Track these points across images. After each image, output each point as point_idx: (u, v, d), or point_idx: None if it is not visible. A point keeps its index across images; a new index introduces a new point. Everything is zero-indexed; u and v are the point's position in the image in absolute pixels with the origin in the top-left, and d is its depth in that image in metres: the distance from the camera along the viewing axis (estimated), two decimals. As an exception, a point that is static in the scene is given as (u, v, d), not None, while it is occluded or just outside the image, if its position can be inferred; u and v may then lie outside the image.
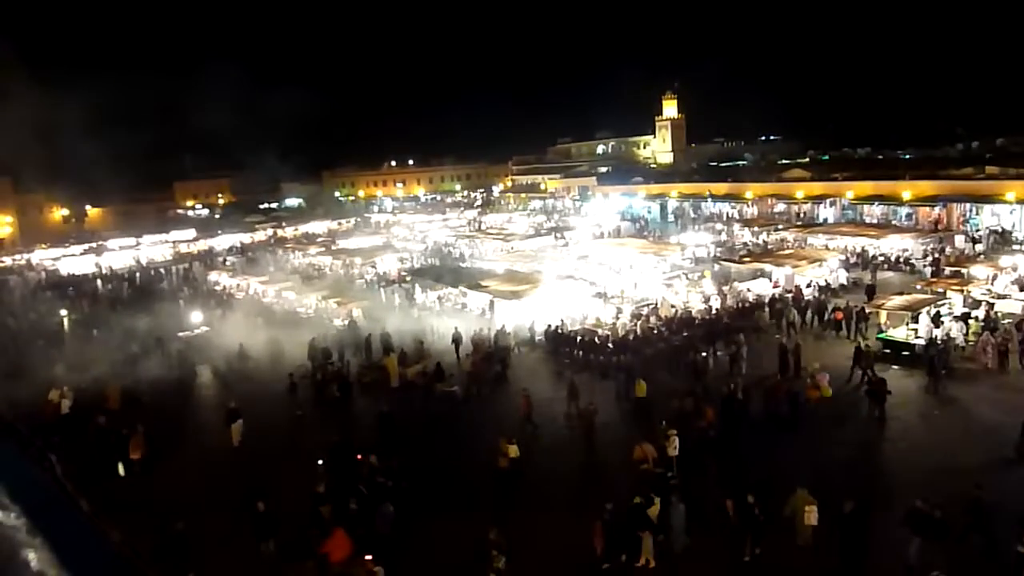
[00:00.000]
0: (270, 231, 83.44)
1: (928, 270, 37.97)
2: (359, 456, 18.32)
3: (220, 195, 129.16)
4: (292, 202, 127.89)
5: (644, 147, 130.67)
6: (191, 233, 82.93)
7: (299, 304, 40.57)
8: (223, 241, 77.92)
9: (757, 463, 17.91)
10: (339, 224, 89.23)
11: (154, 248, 73.81)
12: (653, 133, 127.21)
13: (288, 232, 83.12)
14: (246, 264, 59.39)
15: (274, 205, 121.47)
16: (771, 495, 14.79)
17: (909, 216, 56.84)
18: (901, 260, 42.45)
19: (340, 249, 60.27)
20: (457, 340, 30.01)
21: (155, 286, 53.38)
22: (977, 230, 50.78)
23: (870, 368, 23.59)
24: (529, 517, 16.26)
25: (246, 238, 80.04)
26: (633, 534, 14.69)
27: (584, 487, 17.94)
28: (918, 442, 19.39)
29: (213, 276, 53.00)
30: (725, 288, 36.28)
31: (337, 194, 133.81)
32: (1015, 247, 43.56)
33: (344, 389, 25.93)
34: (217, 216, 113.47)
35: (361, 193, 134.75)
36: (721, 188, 75.57)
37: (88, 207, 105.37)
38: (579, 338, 29.48)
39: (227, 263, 61.39)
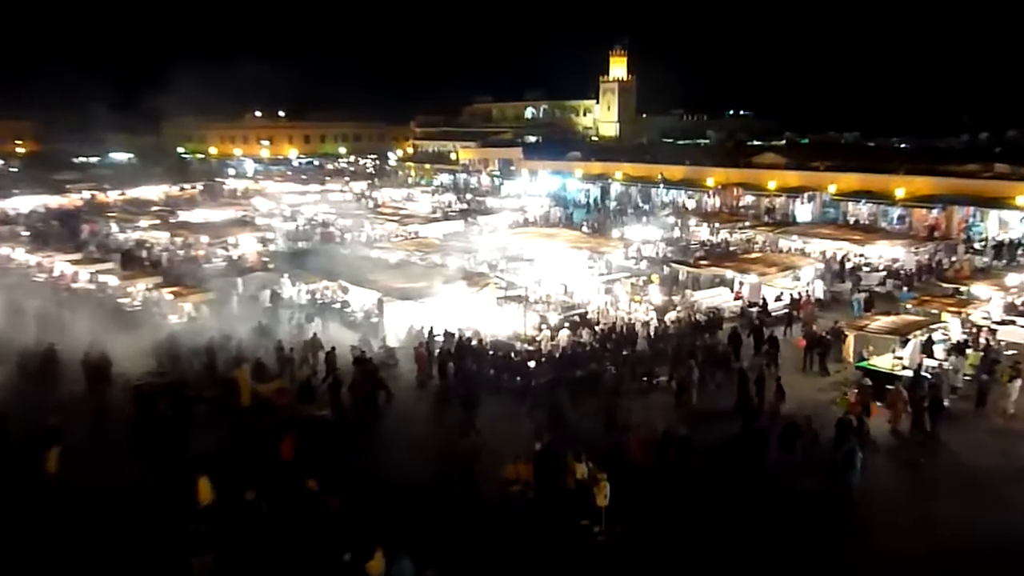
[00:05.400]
0: (87, 194, 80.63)
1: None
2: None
3: (18, 142, 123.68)
4: (118, 157, 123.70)
5: (584, 114, 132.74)
6: (-27, 190, 79.10)
7: (122, 293, 39.32)
8: (20, 203, 74.59)
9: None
10: (181, 190, 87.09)
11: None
12: (596, 98, 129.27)
13: (111, 197, 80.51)
14: (51, 236, 57.21)
15: (94, 160, 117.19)
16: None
17: (902, 218, 59.52)
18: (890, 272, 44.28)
19: (181, 223, 58.77)
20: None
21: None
22: (981, 239, 53.46)
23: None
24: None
25: (53, 201, 76.99)
26: None
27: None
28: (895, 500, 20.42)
29: (4, 250, 50.69)
30: (676, 298, 37.11)
31: (180, 150, 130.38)
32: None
33: (180, 407, 25.19)
34: (13, 170, 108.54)
35: (213, 151, 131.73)
36: (677, 172, 77.41)
37: None
38: (492, 353, 29.60)
39: (25, 233, 58.86)
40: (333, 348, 29.35)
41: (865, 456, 20.88)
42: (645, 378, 28.39)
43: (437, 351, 29.93)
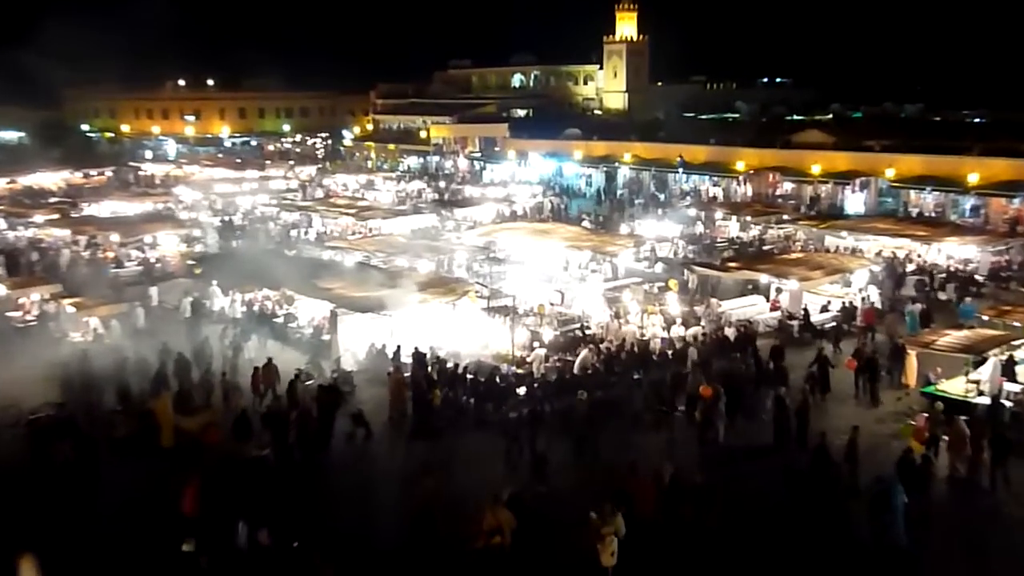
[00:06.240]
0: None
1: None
2: None
3: None
4: (7, 136, 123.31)
5: (585, 82, 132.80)
6: None
7: (11, 306, 39.14)
8: None
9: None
10: (86, 176, 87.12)
11: None
12: (600, 62, 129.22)
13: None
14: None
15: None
16: None
17: (976, 210, 59.80)
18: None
19: (86, 218, 58.67)
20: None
21: None
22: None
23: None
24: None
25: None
26: None
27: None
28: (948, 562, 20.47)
29: None
30: (699, 309, 37.20)
31: (85, 128, 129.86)
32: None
33: (85, 448, 25.07)
34: None
35: (126, 128, 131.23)
36: (699, 153, 77.72)
37: None
38: (472, 377, 29.61)
39: None
40: (297, 376, 29.26)
41: (923, 504, 20.97)
42: (662, 408, 28.35)
43: (408, 375, 29.89)
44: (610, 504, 19.15)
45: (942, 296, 41.37)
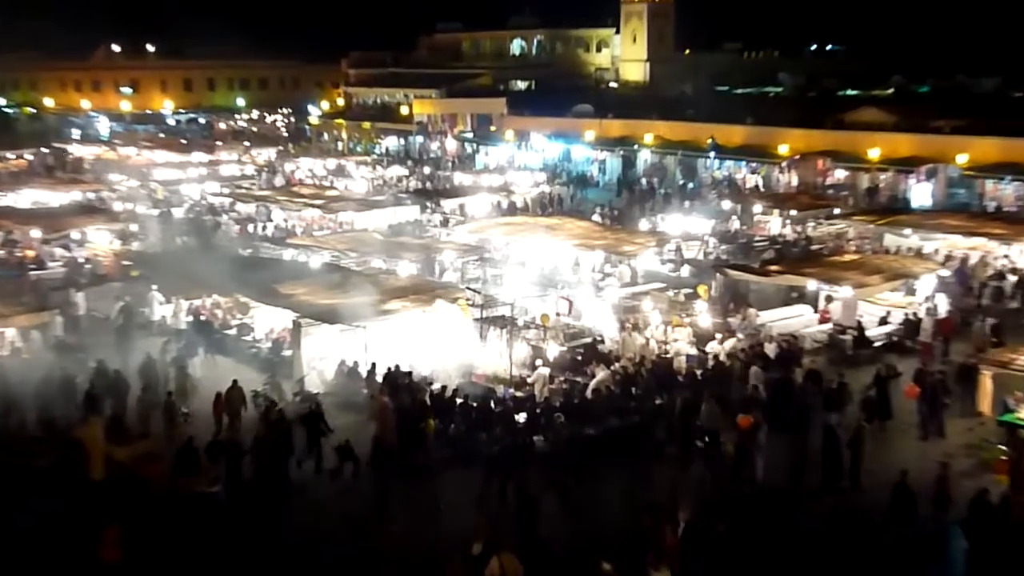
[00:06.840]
0: None
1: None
2: None
3: None
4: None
5: (598, 49, 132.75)
6: None
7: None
8: None
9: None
10: (2, 160, 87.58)
11: None
12: (616, 25, 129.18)
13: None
14: None
15: None
16: None
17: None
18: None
19: (2, 210, 58.71)
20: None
21: None
22: None
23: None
24: None
25: None
26: None
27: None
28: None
29: None
30: (733, 320, 37.22)
31: (1, 102, 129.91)
32: None
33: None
34: None
35: (49, 103, 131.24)
36: (734, 134, 77.87)
37: None
38: (461, 402, 29.61)
39: None
40: (274, 404, 29.18)
41: (996, 552, 20.89)
42: (693, 439, 28.29)
43: (387, 398, 29.78)
44: (652, 553, 19.24)
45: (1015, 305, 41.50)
